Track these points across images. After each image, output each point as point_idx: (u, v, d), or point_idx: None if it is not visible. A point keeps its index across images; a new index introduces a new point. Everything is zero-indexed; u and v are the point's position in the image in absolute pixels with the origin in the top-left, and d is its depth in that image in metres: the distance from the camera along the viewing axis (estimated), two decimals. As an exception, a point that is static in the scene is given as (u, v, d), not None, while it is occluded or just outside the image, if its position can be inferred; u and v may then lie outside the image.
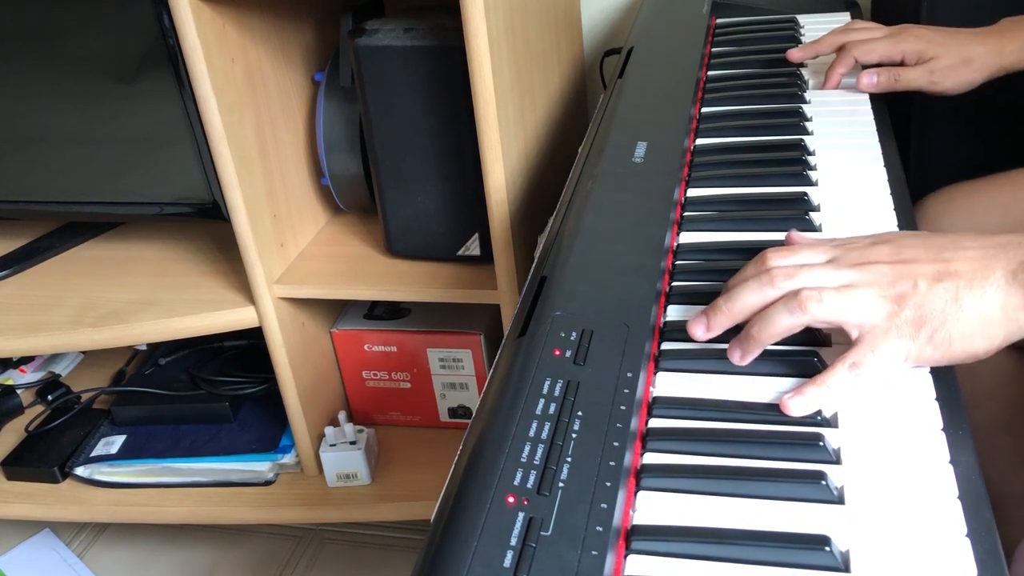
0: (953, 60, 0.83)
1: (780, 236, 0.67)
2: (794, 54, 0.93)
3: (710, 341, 0.57)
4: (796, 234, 0.62)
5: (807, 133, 0.82)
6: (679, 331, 0.58)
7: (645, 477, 0.47)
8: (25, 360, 1.36)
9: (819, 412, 0.50)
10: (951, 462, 0.46)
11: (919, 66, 0.85)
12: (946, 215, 0.84)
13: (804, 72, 0.93)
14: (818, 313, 0.51)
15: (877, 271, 0.51)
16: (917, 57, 0.85)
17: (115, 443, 1.20)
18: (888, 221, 0.68)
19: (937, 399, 0.50)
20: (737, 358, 0.53)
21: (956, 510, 0.44)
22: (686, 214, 0.71)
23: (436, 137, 0.94)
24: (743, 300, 0.53)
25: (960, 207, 0.84)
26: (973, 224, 0.83)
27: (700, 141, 0.82)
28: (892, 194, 0.71)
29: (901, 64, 0.86)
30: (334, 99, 1.05)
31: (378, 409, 1.19)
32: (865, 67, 0.88)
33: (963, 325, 0.49)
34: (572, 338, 0.52)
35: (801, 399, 0.50)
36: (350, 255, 1.07)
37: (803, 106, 0.86)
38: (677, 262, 0.66)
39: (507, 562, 0.39)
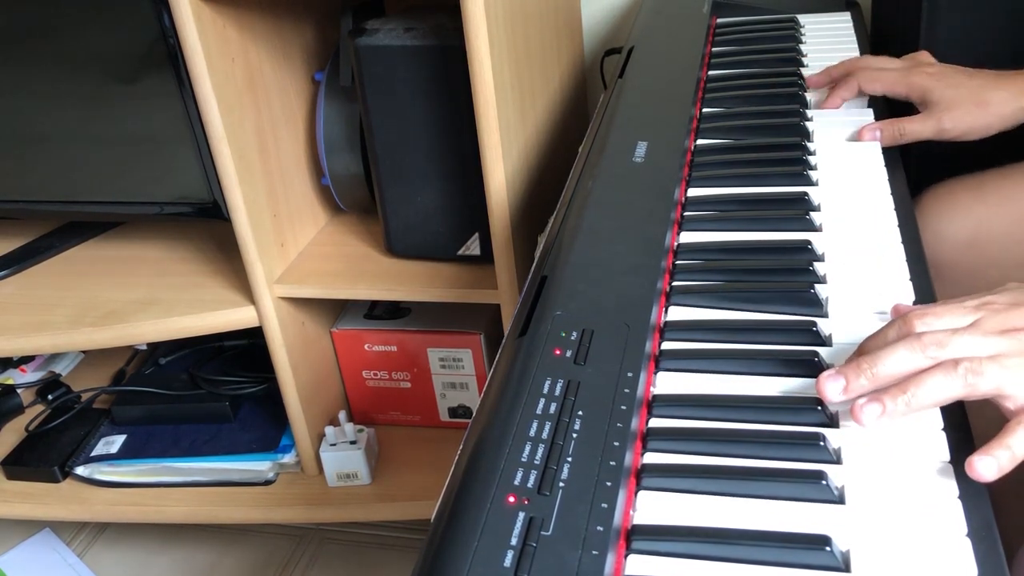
0: (966, 106, 0.76)
1: (780, 236, 0.67)
2: (814, 80, 0.88)
3: (709, 341, 0.57)
4: (904, 306, 0.58)
5: (807, 133, 0.82)
6: (679, 331, 0.58)
7: (645, 477, 0.47)
8: (25, 360, 1.36)
9: (820, 403, 0.50)
10: (951, 462, 0.46)
11: (926, 115, 0.77)
12: (945, 210, 0.84)
13: (804, 72, 0.93)
14: (979, 386, 0.47)
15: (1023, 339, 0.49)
16: (922, 97, 0.78)
17: (115, 443, 1.20)
18: (888, 221, 0.68)
19: (937, 399, 0.50)
20: (871, 417, 0.48)
21: (957, 510, 0.44)
22: (686, 214, 0.71)
23: (436, 137, 0.94)
24: (891, 365, 0.49)
25: (960, 202, 0.84)
26: (974, 219, 0.83)
27: (700, 141, 0.82)
28: (892, 194, 0.71)
29: (905, 100, 0.80)
30: (334, 99, 1.05)
31: (378, 409, 1.19)
32: (869, 97, 0.84)
33: None
34: (572, 338, 0.52)
35: (989, 460, 0.46)
36: (350, 255, 1.07)
37: (803, 106, 0.86)
38: (677, 262, 0.66)
39: (507, 562, 0.39)
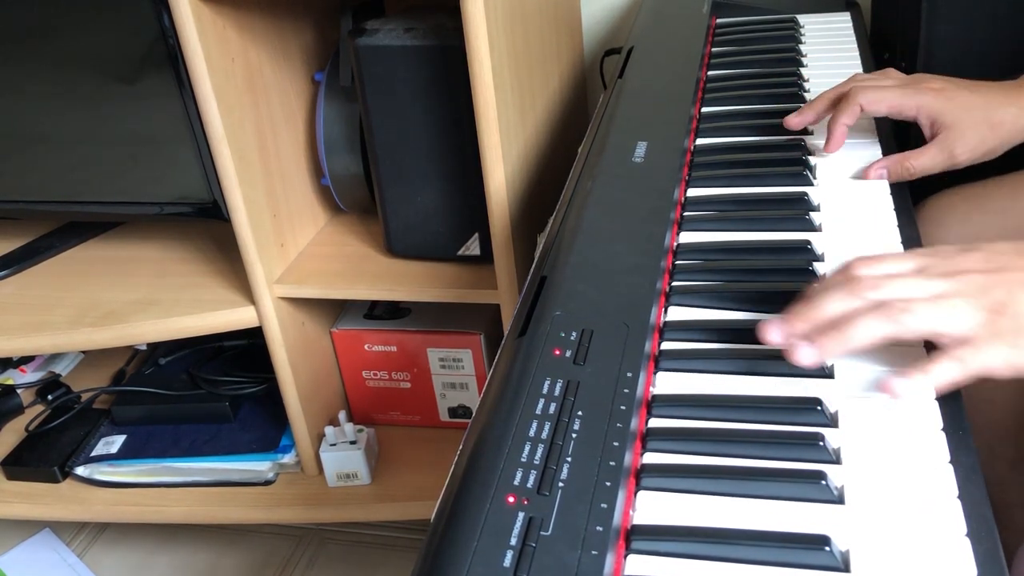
0: (979, 129, 0.70)
1: (780, 236, 0.67)
2: (791, 121, 0.80)
3: (709, 341, 0.57)
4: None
5: (807, 133, 0.82)
6: (679, 331, 0.58)
7: (645, 477, 0.47)
8: (25, 360, 1.36)
9: (820, 403, 0.50)
10: (951, 462, 0.46)
11: (937, 148, 0.71)
12: (946, 218, 0.84)
13: (804, 72, 0.93)
14: (910, 324, 0.48)
15: (969, 280, 0.49)
16: (932, 120, 0.71)
17: (115, 443, 1.20)
18: (888, 221, 0.68)
19: (937, 400, 0.50)
20: (807, 358, 0.50)
21: (956, 510, 0.44)
22: (686, 214, 0.71)
23: (436, 137, 0.94)
24: (826, 307, 0.51)
25: (960, 210, 0.84)
26: (972, 228, 0.83)
27: (700, 141, 0.82)
28: (892, 194, 0.71)
29: (915, 121, 0.74)
30: (334, 99, 1.05)
31: (378, 409, 1.19)
32: (874, 118, 0.79)
33: None
34: (572, 338, 0.52)
35: (906, 382, 0.48)
36: (350, 255, 1.07)
37: (803, 106, 0.86)
38: (677, 262, 0.66)
39: (507, 562, 0.39)
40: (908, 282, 0.50)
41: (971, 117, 0.70)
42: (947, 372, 0.48)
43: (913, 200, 0.75)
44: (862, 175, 0.74)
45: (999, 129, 0.70)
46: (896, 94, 0.73)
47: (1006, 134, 0.70)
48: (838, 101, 0.76)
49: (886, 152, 0.78)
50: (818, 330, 0.51)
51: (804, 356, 0.50)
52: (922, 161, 0.72)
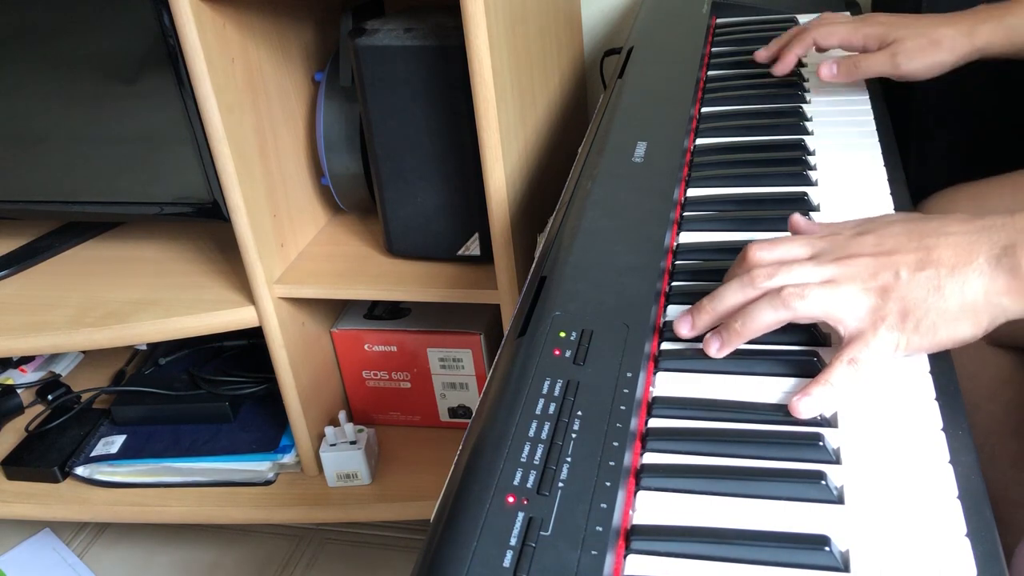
0: (919, 42, 0.78)
1: (781, 235, 0.67)
2: (760, 55, 0.90)
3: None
4: (795, 219, 0.61)
5: (807, 133, 0.82)
6: (679, 331, 0.58)
7: (645, 477, 0.47)
8: (25, 360, 1.36)
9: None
10: (951, 462, 0.46)
11: (881, 50, 0.80)
12: None
13: (804, 72, 0.93)
14: (801, 309, 0.51)
15: (859, 264, 0.52)
16: (879, 41, 0.80)
17: (115, 443, 1.20)
18: (888, 221, 0.68)
19: (937, 399, 0.50)
20: (714, 350, 0.54)
21: (956, 510, 0.44)
22: (686, 214, 0.71)
23: (436, 137, 0.94)
24: (726, 299, 0.54)
25: (962, 209, 0.84)
26: None
27: (700, 141, 0.82)
28: (892, 194, 0.71)
29: (863, 51, 0.82)
30: (334, 99, 1.05)
31: (378, 409, 1.19)
32: (824, 51, 0.87)
33: (947, 313, 0.49)
34: (572, 338, 0.52)
35: (809, 400, 0.50)
36: (350, 255, 1.07)
37: (803, 106, 0.86)
38: (677, 262, 0.66)
39: (507, 562, 0.39)
40: (801, 269, 0.53)
41: (912, 33, 0.78)
42: (846, 376, 0.50)
43: (914, 200, 0.75)
44: (816, 73, 0.83)
45: (939, 45, 0.77)
46: (846, 28, 0.83)
47: (945, 51, 0.77)
48: (795, 37, 0.87)
49: (884, 150, 0.78)
50: (721, 322, 0.55)
51: (712, 348, 0.54)
52: (869, 63, 0.80)
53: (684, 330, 0.56)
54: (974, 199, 0.85)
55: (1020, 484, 0.71)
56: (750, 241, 0.61)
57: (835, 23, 0.84)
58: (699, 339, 0.56)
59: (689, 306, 0.61)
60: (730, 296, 0.54)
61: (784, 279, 0.53)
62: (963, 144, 1.05)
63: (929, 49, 0.77)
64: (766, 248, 0.55)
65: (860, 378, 0.50)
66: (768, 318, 0.52)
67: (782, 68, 0.88)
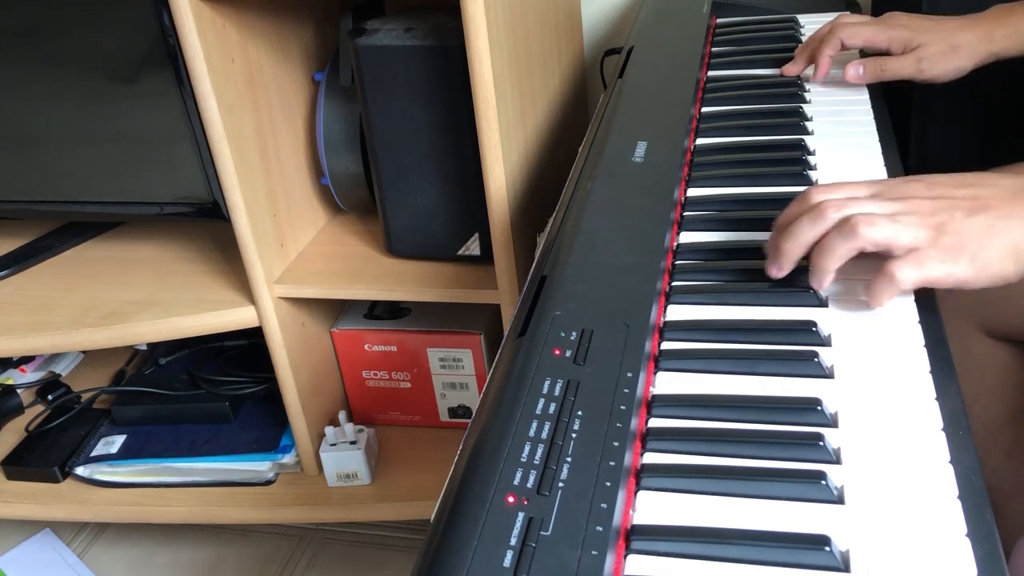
0: (941, 47, 0.82)
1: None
2: (789, 69, 0.92)
3: (709, 341, 0.57)
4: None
5: (807, 133, 0.82)
6: (679, 331, 0.58)
7: (645, 477, 0.47)
8: (25, 360, 1.36)
9: (819, 403, 0.50)
10: (951, 462, 0.46)
11: (906, 55, 0.83)
12: None
13: (804, 72, 0.93)
14: (869, 235, 0.55)
15: (917, 203, 0.57)
16: (904, 45, 0.84)
17: (115, 443, 1.20)
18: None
19: (937, 399, 0.50)
20: (817, 286, 0.58)
21: (956, 510, 0.43)
22: (686, 214, 0.71)
23: (436, 137, 0.94)
24: (800, 236, 0.58)
25: None
26: None
27: (700, 141, 0.82)
28: (892, 194, 0.71)
29: (888, 53, 0.85)
30: (334, 99, 1.05)
31: (378, 409, 1.19)
32: (853, 54, 0.88)
33: (997, 251, 0.54)
34: (572, 338, 0.52)
35: (884, 288, 0.56)
36: (350, 255, 1.07)
37: (803, 106, 0.86)
38: (677, 262, 0.65)
39: (507, 562, 0.39)
40: (865, 203, 0.58)
41: (934, 39, 0.82)
42: (907, 274, 0.55)
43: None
44: (842, 75, 0.87)
45: (958, 51, 0.82)
46: (870, 29, 0.86)
47: (964, 56, 0.82)
48: (823, 43, 0.89)
49: (884, 150, 0.78)
50: (798, 256, 0.59)
51: (816, 285, 0.58)
52: (894, 65, 0.84)
53: (774, 272, 0.60)
54: None
55: (1014, 474, 0.71)
56: (761, 243, 0.63)
57: (858, 23, 0.87)
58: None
59: (696, 307, 0.61)
60: (803, 231, 0.58)
61: (852, 211, 0.57)
62: (963, 143, 1.05)
63: (950, 55, 0.82)
64: (827, 188, 0.60)
65: (913, 284, 0.55)
66: (842, 248, 0.56)
67: (821, 73, 0.89)
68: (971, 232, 0.55)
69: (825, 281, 0.58)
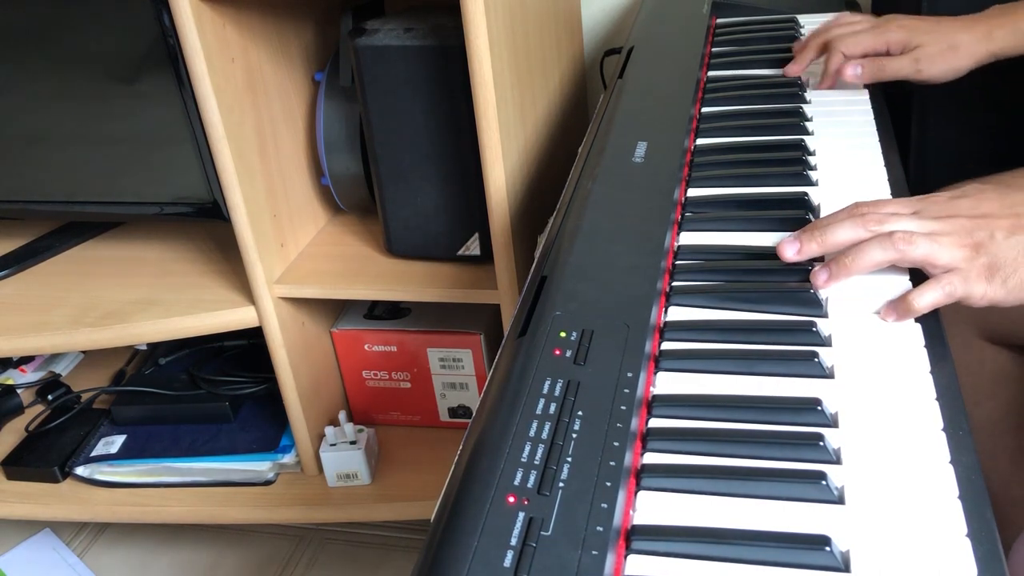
0: (939, 47, 0.82)
1: (781, 236, 0.67)
2: (791, 69, 0.92)
3: (709, 341, 0.57)
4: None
5: (807, 133, 0.82)
6: (679, 331, 0.58)
7: (645, 477, 0.47)
8: (25, 360, 1.36)
9: (820, 403, 0.50)
10: (951, 462, 0.46)
11: (904, 55, 0.84)
12: None
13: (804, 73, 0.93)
14: (907, 252, 0.57)
15: (957, 223, 0.58)
16: (902, 47, 0.84)
17: (115, 443, 1.20)
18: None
19: (937, 399, 0.50)
20: (822, 280, 0.59)
21: (956, 510, 0.44)
22: (686, 214, 0.71)
23: (436, 137, 0.94)
24: (837, 235, 0.59)
25: None
26: None
27: (700, 141, 0.82)
28: (892, 194, 0.71)
29: (887, 54, 0.85)
30: (334, 99, 1.05)
31: (378, 409, 1.19)
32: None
33: None
34: (572, 338, 0.52)
35: (912, 303, 0.56)
36: (350, 255, 1.07)
37: (803, 106, 0.86)
38: (677, 262, 0.65)
39: (507, 562, 0.39)
40: (907, 220, 0.59)
41: (933, 39, 0.83)
42: (935, 295, 0.56)
43: (913, 191, 0.75)
44: (840, 73, 0.86)
45: (957, 51, 0.82)
46: (869, 36, 0.86)
47: (963, 56, 0.82)
48: (823, 47, 0.89)
49: (884, 150, 0.78)
50: (830, 254, 0.60)
51: (820, 279, 0.59)
52: (892, 65, 0.84)
53: (790, 253, 0.61)
54: None
55: (1019, 481, 0.71)
56: (761, 243, 0.63)
57: (857, 31, 0.87)
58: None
59: (696, 308, 0.61)
60: (842, 232, 0.59)
61: (893, 227, 0.58)
62: (963, 143, 1.05)
63: (948, 55, 0.82)
64: (878, 202, 0.61)
65: (943, 301, 0.56)
66: (877, 256, 0.58)
67: (824, 84, 0.89)
68: (1007, 254, 0.56)
69: (837, 280, 0.59)
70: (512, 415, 0.47)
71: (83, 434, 1.23)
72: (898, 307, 0.57)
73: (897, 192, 0.72)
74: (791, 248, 0.61)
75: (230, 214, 0.96)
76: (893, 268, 0.60)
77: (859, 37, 0.86)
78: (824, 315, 0.59)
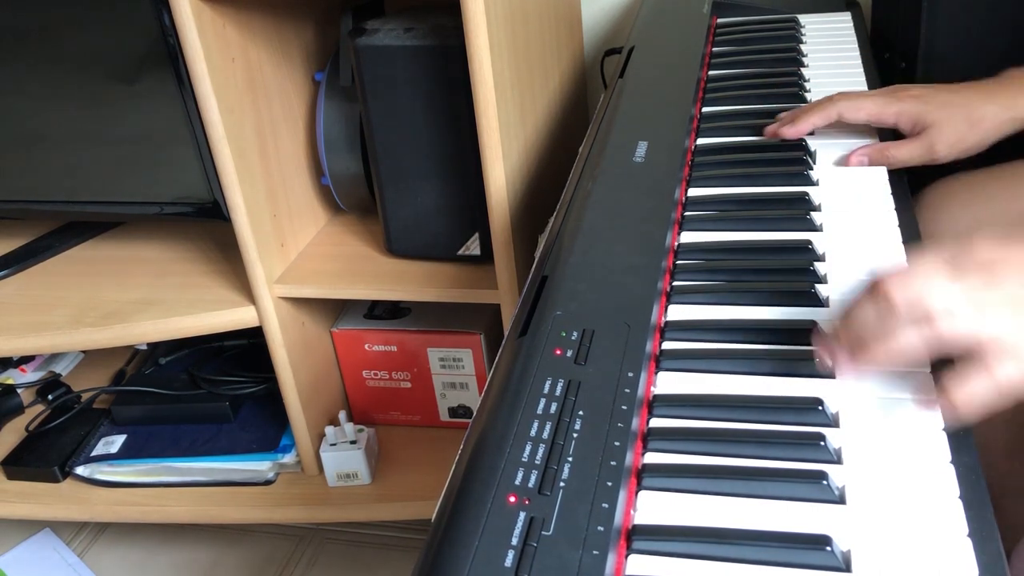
0: (958, 127, 0.71)
1: (781, 236, 0.67)
2: (770, 130, 0.81)
3: (710, 341, 0.57)
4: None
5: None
6: (680, 330, 0.58)
7: (646, 477, 0.47)
8: (25, 359, 1.36)
9: (821, 403, 0.50)
10: (952, 462, 0.46)
11: (916, 138, 0.73)
12: (945, 206, 0.84)
13: (804, 72, 0.93)
14: (957, 328, 0.47)
15: (1003, 291, 0.48)
16: (913, 122, 0.74)
17: (115, 443, 1.20)
18: (888, 221, 0.68)
19: (938, 399, 0.50)
20: (844, 369, 0.51)
21: (957, 510, 0.44)
22: (687, 214, 0.71)
23: (436, 137, 0.94)
24: (902, 346, 0.49)
25: (958, 199, 0.84)
26: (971, 216, 0.83)
27: (701, 141, 0.82)
28: (892, 193, 0.71)
29: (894, 128, 0.76)
30: (334, 99, 1.05)
31: (378, 409, 1.19)
32: (851, 126, 0.79)
33: None
34: (573, 338, 0.52)
35: (960, 405, 0.47)
36: (350, 255, 1.07)
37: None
38: (678, 261, 0.66)
39: (508, 562, 0.39)
40: (944, 293, 0.48)
41: (950, 115, 0.72)
42: (987, 392, 0.47)
43: (914, 187, 0.75)
44: (844, 162, 0.76)
45: (979, 126, 0.71)
46: (875, 102, 0.75)
47: (986, 130, 0.71)
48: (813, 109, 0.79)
49: (883, 141, 0.78)
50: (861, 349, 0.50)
51: (841, 370, 0.51)
52: (902, 152, 0.73)
53: (845, 372, 0.52)
54: (973, 188, 0.84)
55: (1013, 474, 0.71)
56: (761, 243, 0.61)
57: (862, 95, 0.77)
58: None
59: (697, 306, 0.60)
60: (906, 342, 0.48)
61: (929, 305, 0.48)
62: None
63: (970, 132, 0.72)
64: (905, 277, 0.50)
65: (998, 397, 0.47)
66: (911, 339, 0.48)
67: (792, 132, 0.79)
68: None
69: (860, 370, 0.50)
70: (513, 415, 0.47)
71: (83, 434, 1.23)
72: (943, 405, 0.48)
73: (897, 192, 0.72)
74: (826, 356, 0.52)
75: (230, 214, 0.96)
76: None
77: (863, 101, 0.76)
78: (825, 305, 0.59)
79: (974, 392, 0.47)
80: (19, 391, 1.30)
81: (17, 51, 0.98)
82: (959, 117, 0.72)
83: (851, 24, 1.06)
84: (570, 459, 0.44)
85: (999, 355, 0.46)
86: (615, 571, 0.41)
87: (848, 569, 0.41)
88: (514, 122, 0.91)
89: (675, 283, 0.63)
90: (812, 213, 0.69)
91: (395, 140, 0.96)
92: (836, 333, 0.51)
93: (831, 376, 0.51)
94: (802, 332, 0.56)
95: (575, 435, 0.46)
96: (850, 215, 0.69)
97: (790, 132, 0.79)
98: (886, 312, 0.48)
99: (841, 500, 0.45)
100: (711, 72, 0.97)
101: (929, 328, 0.47)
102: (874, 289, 0.50)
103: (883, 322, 0.49)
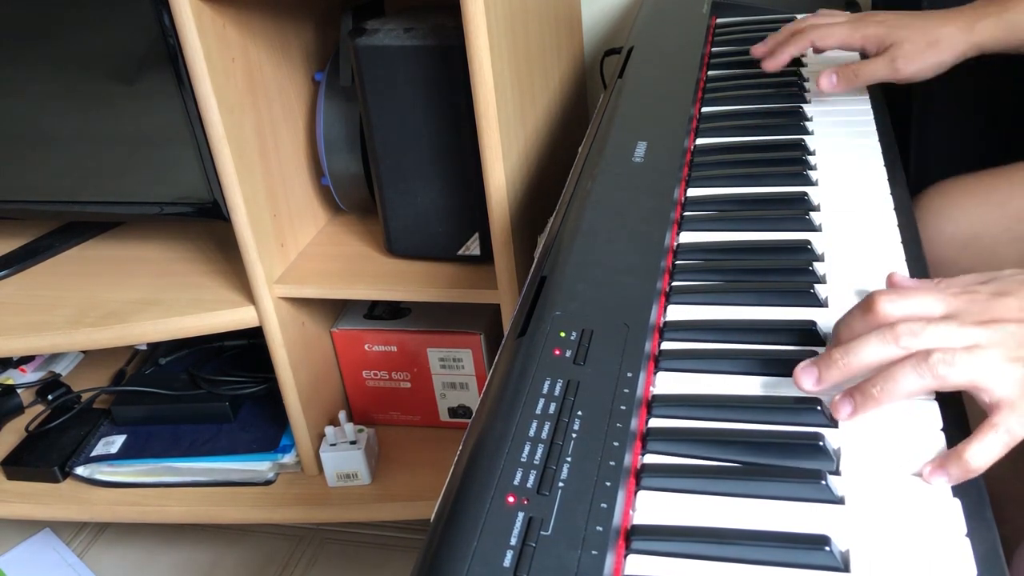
0: (917, 44, 0.77)
1: (780, 236, 0.67)
2: (756, 50, 0.88)
3: (709, 341, 0.57)
4: (899, 277, 0.57)
5: (807, 133, 0.82)
6: (679, 331, 0.58)
7: (645, 477, 0.47)
8: (25, 360, 1.36)
9: (819, 403, 0.50)
10: (951, 462, 0.46)
11: (880, 56, 0.79)
12: (944, 209, 0.84)
13: (804, 72, 0.93)
14: (950, 377, 0.46)
15: (1005, 331, 0.47)
16: (878, 44, 0.79)
17: (115, 443, 1.20)
18: (888, 221, 0.68)
19: (937, 399, 0.50)
20: (845, 415, 0.49)
21: (956, 510, 0.44)
22: (686, 214, 0.71)
23: (436, 137, 0.94)
24: (862, 356, 0.49)
25: (958, 202, 0.84)
26: (971, 218, 0.83)
27: (700, 141, 0.82)
28: (892, 194, 0.71)
29: (862, 52, 0.82)
30: (334, 99, 1.05)
31: (378, 409, 1.19)
32: (822, 52, 0.86)
33: None
34: (572, 338, 0.52)
35: (957, 472, 0.45)
36: (350, 255, 1.07)
37: (803, 106, 0.86)
38: (677, 262, 0.66)
39: (507, 562, 0.39)
40: (947, 329, 0.48)
41: (910, 35, 0.77)
42: (998, 445, 0.46)
43: (913, 191, 0.75)
44: (816, 86, 0.83)
45: (936, 46, 0.76)
46: (843, 29, 0.82)
47: (943, 51, 0.77)
48: (791, 36, 0.86)
49: (884, 149, 0.78)
50: (854, 381, 0.49)
51: (842, 413, 0.49)
52: (867, 69, 0.79)
53: (808, 384, 0.50)
54: (969, 192, 0.84)
55: (1014, 478, 0.71)
56: (760, 243, 0.61)
57: (832, 23, 0.83)
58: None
59: (697, 306, 0.60)
60: (868, 353, 0.49)
61: (929, 341, 0.47)
62: (963, 140, 1.05)
63: (928, 51, 0.77)
64: (896, 298, 0.50)
65: (1011, 446, 0.46)
66: (913, 384, 0.47)
67: (773, 64, 0.86)
68: None
69: (862, 412, 0.49)
70: (512, 415, 0.47)
71: (83, 434, 1.23)
72: (950, 465, 0.45)
73: (897, 192, 0.72)
74: (808, 378, 0.50)
75: (230, 214, 0.96)
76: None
77: (833, 29, 0.82)
78: (824, 304, 0.59)
79: (987, 450, 0.45)
80: (19, 391, 1.30)
81: (17, 51, 0.98)
82: (918, 36, 0.77)
83: (851, 24, 1.06)
84: (569, 459, 0.44)
85: (1005, 411, 0.46)
86: (614, 571, 0.41)
87: (847, 569, 0.41)
88: (514, 122, 0.91)
89: (674, 283, 0.63)
90: (811, 213, 0.69)
91: (395, 140, 0.96)
92: (834, 362, 0.50)
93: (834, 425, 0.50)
94: (801, 332, 0.56)
95: (574, 435, 0.46)
96: (849, 215, 0.69)
97: (772, 66, 0.87)
98: (887, 337, 0.48)
99: (840, 500, 0.45)
100: (711, 72, 0.97)
101: (929, 372, 0.47)
102: (872, 311, 0.50)
103: (884, 352, 0.48)
